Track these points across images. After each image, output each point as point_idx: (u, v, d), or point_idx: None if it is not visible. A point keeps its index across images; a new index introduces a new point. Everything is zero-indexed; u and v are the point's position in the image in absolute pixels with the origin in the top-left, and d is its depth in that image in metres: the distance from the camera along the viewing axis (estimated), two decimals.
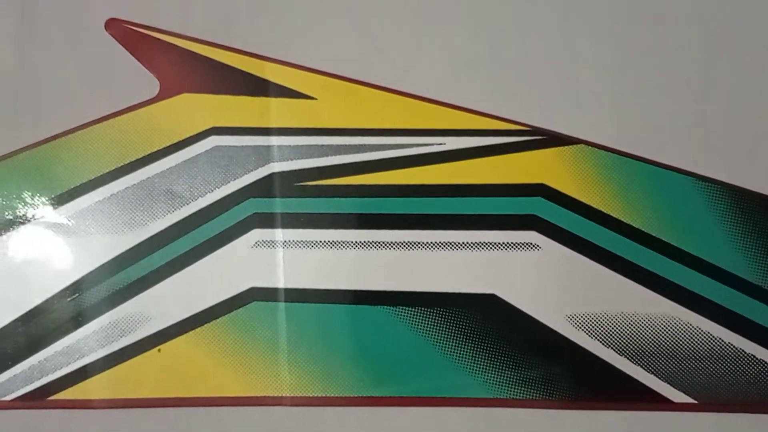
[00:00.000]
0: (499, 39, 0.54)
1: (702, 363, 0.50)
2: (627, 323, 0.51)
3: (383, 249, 0.52)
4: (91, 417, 0.53)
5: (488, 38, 0.54)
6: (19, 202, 0.53)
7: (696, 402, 0.51)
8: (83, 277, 0.53)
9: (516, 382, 0.51)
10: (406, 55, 0.54)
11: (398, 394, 0.52)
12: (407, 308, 0.52)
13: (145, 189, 0.53)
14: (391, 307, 0.52)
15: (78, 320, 0.53)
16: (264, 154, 0.53)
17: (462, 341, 0.52)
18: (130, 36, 0.54)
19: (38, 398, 0.53)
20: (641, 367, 0.51)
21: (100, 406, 0.53)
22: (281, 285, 0.52)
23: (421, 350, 0.52)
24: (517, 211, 0.52)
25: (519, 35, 0.54)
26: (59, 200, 0.53)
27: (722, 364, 0.51)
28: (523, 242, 0.52)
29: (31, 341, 0.53)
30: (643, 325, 0.51)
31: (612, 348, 0.51)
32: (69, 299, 0.53)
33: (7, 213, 0.53)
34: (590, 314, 0.51)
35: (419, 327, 0.52)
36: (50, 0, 0.55)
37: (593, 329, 0.51)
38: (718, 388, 0.50)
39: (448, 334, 0.52)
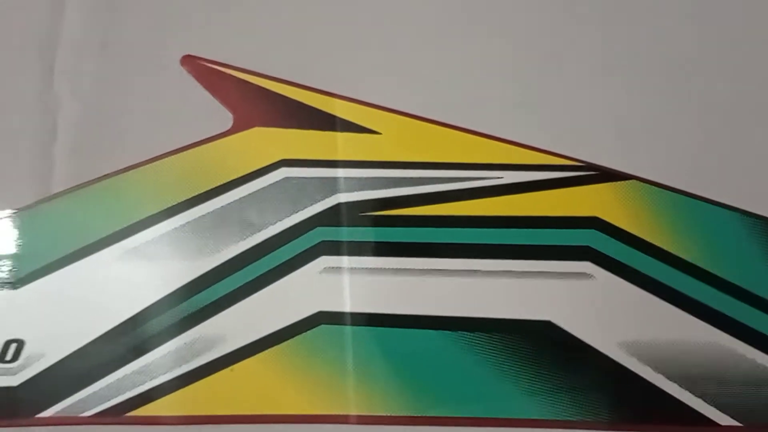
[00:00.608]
0: (553, 80, 0.57)
1: (747, 388, 0.54)
2: (676, 350, 0.54)
3: (444, 276, 0.56)
4: None
5: (543, 79, 0.57)
6: (99, 228, 0.56)
7: (741, 425, 0.54)
8: (160, 299, 0.56)
9: (570, 404, 0.54)
10: (467, 94, 0.57)
11: (458, 414, 0.55)
12: (467, 333, 0.55)
13: (219, 217, 0.56)
14: (452, 332, 0.55)
15: (155, 340, 0.56)
16: (331, 186, 0.57)
17: (519, 365, 0.55)
18: (204, 72, 0.58)
19: (115, 414, 0.55)
20: (689, 391, 0.54)
21: (175, 422, 0.56)
22: (347, 309, 0.56)
23: (480, 373, 0.55)
24: (572, 243, 0.55)
25: (571, 77, 0.57)
26: (137, 227, 0.57)
27: (766, 389, 0.54)
28: (577, 272, 0.55)
29: (109, 360, 0.56)
30: (691, 352, 0.54)
31: (662, 373, 0.54)
32: (146, 321, 0.56)
33: (87, 238, 0.56)
34: (641, 341, 0.54)
35: (478, 351, 0.55)
36: (128, 37, 0.58)
37: (644, 355, 0.54)
38: (763, 411, 0.54)
39: (505, 358, 0.55)
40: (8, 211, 0.57)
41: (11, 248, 0.57)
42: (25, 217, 0.57)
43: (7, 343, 0.56)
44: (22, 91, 0.58)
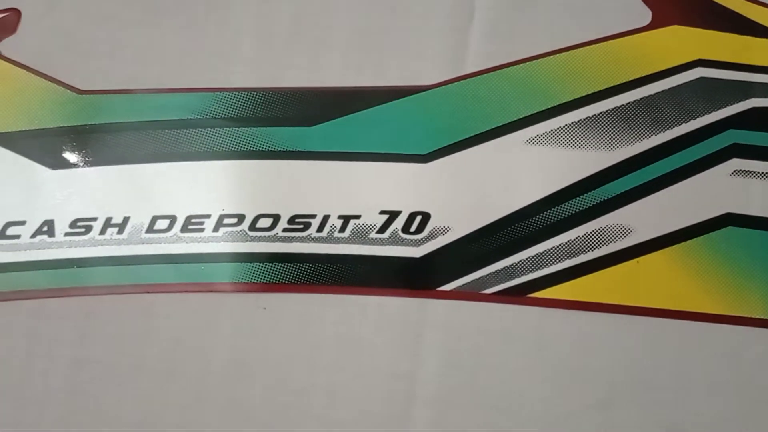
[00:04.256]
0: None
1: None
2: None
3: None
4: (563, 317, 0.58)
5: None
6: (510, 111, 0.59)
7: None
8: (568, 186, 0.59)
9: None
10: None
11: None
12: None
13: (632, 111, 0.59)
14: None
15: (561, 225, 0.59)
16: (745, 89, 0.59)
17: None
18: None
19: (517, 294, 0.58)
20: None
21: (575, 307, 0.59)
22: (757, 213, 0.58)
23: None
24: None
25: None
26: (549, 113, 0.60)
27: None
28: None
29: (515, 240, 0.59)
30: None
31: None
32: (552, 206, 0.58)
33: (497, 120, 0.59)
34: None
35: None
36: None
37: None
38: None
39: None
40: (423, 87, 0.60)
41: (423, 124, 0.60)
42: (438, 94, 0.60)
43: (413, 215, 0.59)
44: None
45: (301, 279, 0.59)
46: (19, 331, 0.59)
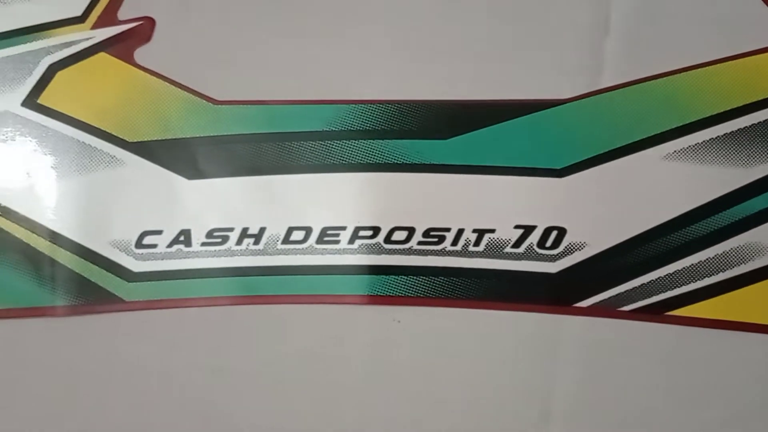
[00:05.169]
0: None
1: None
2: None
3: None
4: (700, 336, 0.58)
5: None
6: (648, 126, 0.59)
7: None
8: (709, 202, 0.59)
9: None
10: None
11: None
12: None
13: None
14: None
15: (700, 243, 0.59)
16: None
17: None
18: None
19: (655, 312, 0.58)
20: None
21: (710, 325, 0.58)
22: None
23: None
24: None
25: None
26: (689, 128, 0.60)
27: None
28: None
29: (653, 257, 0.59)
30: None
31: None
32: (690, 223, 0.59)
33: (635, 134, 0.59)
34: None
35: None
36: None
37: None
38: None
39: None
40: (559, 101, 0.60)
41: (559, 138, 0.60)
42: (574, 108, 0.61)
43: (548, 230, 0.59)
44: None
45: (436, 293, 0.60)
46: (156, 340, 0.59)
